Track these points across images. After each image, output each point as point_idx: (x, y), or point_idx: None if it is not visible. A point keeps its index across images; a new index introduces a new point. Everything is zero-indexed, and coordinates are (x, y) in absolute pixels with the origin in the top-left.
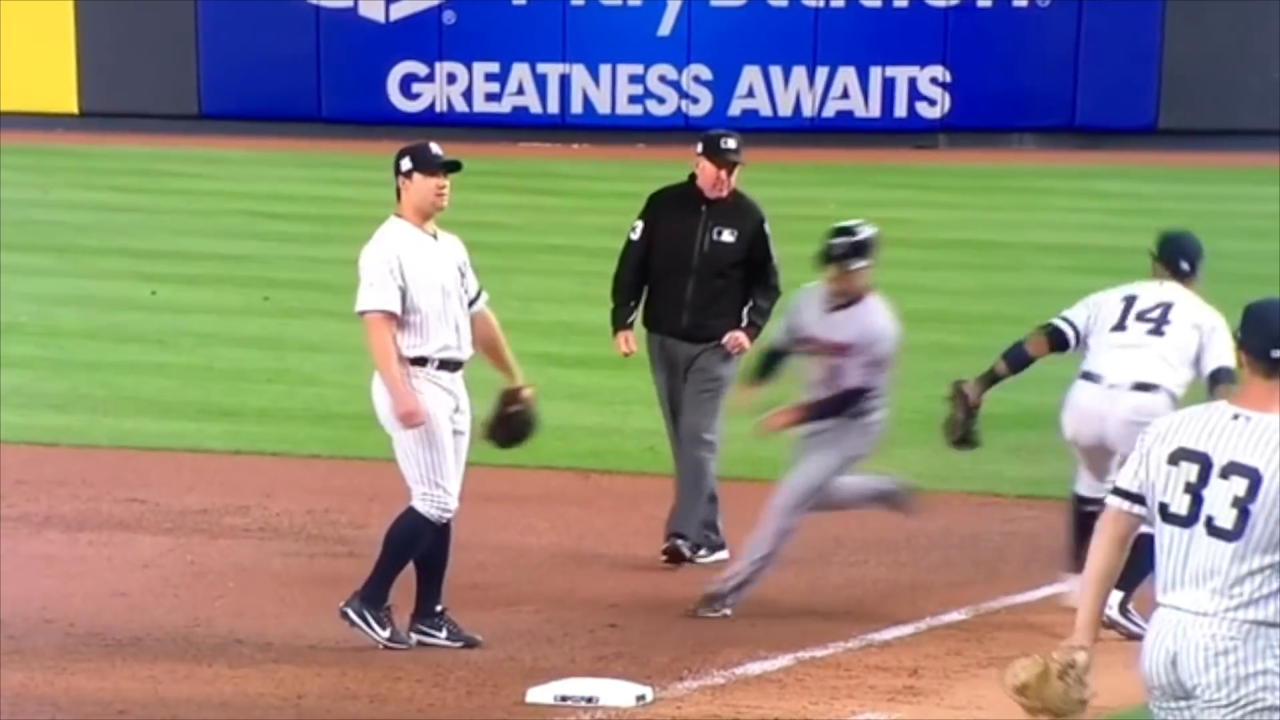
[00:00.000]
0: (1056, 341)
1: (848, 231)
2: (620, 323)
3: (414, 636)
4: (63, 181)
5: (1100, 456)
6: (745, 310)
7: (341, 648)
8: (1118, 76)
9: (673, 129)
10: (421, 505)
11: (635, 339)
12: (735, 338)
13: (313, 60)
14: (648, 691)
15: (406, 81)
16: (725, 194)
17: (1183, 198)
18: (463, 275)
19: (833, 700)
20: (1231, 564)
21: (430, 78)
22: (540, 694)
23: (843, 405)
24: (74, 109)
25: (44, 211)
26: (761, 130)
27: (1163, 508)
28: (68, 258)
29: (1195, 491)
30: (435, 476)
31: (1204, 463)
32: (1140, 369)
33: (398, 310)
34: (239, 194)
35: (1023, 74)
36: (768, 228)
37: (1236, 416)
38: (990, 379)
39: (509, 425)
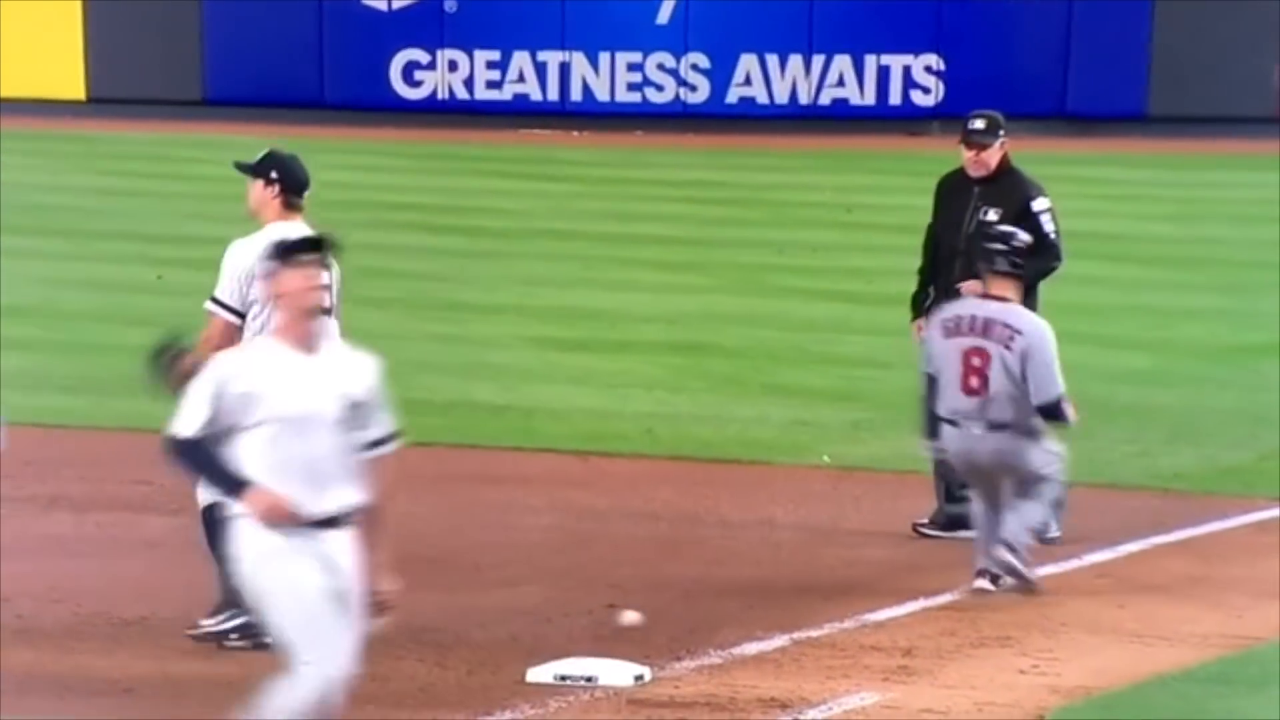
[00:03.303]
0: None
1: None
2: (915, 309)
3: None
4: (70, 167)
5: None
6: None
7: None
8: (1108, 63)
9: (671, 116)
10: None
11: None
12: None
13: (316, 47)
14: (646, 671)
15: (409, 69)
16: (986, 174)
17: (1172, 184)
18: None
19: (828, 679)
20: None
21: (432, 65)
22: (540, 673)
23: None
24: (81, 95)
25: (52, 196)
26: (758, 118)
27: None
28: (75, 242)
29: None
30: None
31: None
32: None
33: None
34: (244, 179)
35: (1014, 61)
36: (1037, 205)
37: None
38: None
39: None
